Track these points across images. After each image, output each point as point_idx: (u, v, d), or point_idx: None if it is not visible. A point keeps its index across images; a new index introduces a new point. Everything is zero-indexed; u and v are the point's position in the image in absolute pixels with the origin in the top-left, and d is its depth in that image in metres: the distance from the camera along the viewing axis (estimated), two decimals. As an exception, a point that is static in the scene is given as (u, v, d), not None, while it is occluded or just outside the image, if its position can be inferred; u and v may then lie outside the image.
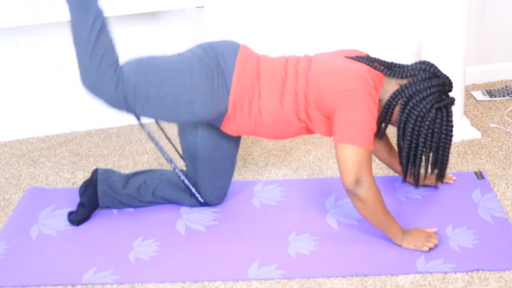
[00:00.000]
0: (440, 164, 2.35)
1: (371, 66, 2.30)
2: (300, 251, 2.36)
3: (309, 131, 2.38)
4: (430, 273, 2.23)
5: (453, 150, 2.92)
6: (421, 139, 2.29)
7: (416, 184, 2.42)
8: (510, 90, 3.43)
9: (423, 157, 2.34)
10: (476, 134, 3.03)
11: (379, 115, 2.34)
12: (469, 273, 2.23)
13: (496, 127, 3.11)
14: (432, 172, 2.43)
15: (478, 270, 2.23)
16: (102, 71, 2.21)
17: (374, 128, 2.23)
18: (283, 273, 2.26)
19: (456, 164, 2.83)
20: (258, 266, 2.30)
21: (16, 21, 2.97)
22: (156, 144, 2.44)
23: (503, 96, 3.37)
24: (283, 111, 2.31)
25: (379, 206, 2.25)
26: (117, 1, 3.01)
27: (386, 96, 2.33)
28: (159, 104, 2.26)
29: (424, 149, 2.31)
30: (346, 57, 2.34)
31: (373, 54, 3.39)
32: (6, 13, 2.95)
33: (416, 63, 2.34)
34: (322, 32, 3.34)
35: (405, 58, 3.42)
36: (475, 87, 3.51)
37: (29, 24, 3.00)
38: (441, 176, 2.40)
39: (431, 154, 2.35)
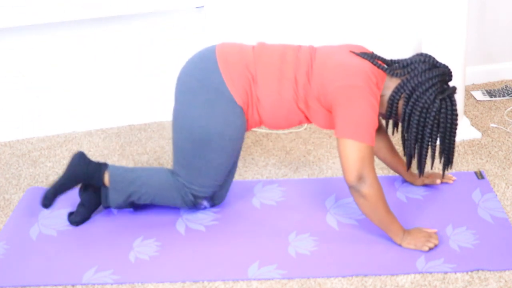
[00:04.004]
0: (448, 151, 2.36)
1: (374, 64, 2.32)
2: (300, 251, 2.36)
3: (310, 120, 2.40)
4: (430, 273, 2.23)
5: (453, 150, 2.93)
6: (427, 130, 2.30)
7: (421, 174, 2.42)
8: (510, 90, 3.43)
9: (430, 147, 2.36)
10: (476, 134, 3.03)
11: (385, 111, 2.36)
12: (469, 273, 2.23)
13: (496, 127, 3.11)
14: (440, 161, 2.42)
15: (478, 270, 2.23)
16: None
17: (375, 124, 2.24)
18: (283, 273, 2.26)
19: (456, 164, 2.83)
20: (258, 266, 2.30)
21: (17, 21, 2.97)
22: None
23: (503, 96, 3.37)
24: (281, 99, 2.33)
25: (381, 204, 2.25)
26: (117, 1, 3.01)
27: (388, 92, 2.34)
28: (211, 167, 2.42)
29: (431, 139, 2.32)
30: (351, 52, 2.35)
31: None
32: (7, 13, 2.95)
33: (414, 56, 2.35)
34: (323, 32, 3.33)
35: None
36: (475, 87, 3.51)
37: (29, 24, 3.00)
38: (449, 163, 2.40)
39: (437, 144, 2.35)
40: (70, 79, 3.22)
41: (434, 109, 2.27)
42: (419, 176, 2.55)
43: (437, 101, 2.27)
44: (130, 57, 3.23)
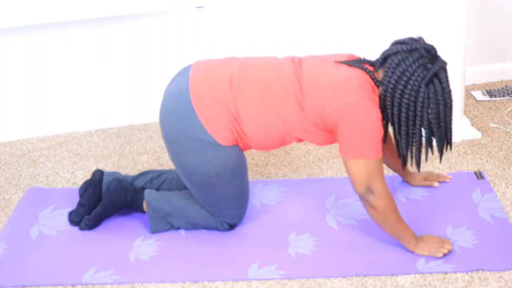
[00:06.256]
0: (445, 135, 2.23)
1: (363, 70, 2.21)
2: (300, 251, 2.36)
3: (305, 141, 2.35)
4: (430, 273, 2.23)
5: (453, 150, 2.92)
6: (417, 123, 2.17)
7: (418, 169, 2.31)
8: (510, 90, 3.43)
9: (424, 136, 2.24)
10: (476, 134, 3.03)
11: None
12: (469, 273, 2.23)
13: (496, 127, 3.11)
14: (444, 150, 2.26)
15: (478, 270, 2.23)
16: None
17: (381, 133, 2.17)
18: (283, 273, 2.26)
19: (456, 164, 2.83)
20: (258, 266, 2.30)
21: (17, 21, 2.97)
22: None
23: (503, 96, 3.37)
24: (270, 132, 2.26)
25: (392, 213, 2.22)
26: (117, 1, 3.01)
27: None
28: (229, 199, 2.38)
29: (424, 127, 2.19)
30: (337, 62, 2.23)
31: (372, 55, 3.39)
32: (7, 13, 2.95)
33: (391, 47, 2.22)
34: (322, 32, 3.33)
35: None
36: (475, 87, 3.51)
37: (29, 24, 3.00)
38: (450, 146, 2.25)
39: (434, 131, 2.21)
40: (70, 79, 3.22)
41: (420, 98, 2.14)
42: (418, 171, 2.41)
43: (422, 88, 2.14)
44: (130, 57, 3.23)
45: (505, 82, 3.55)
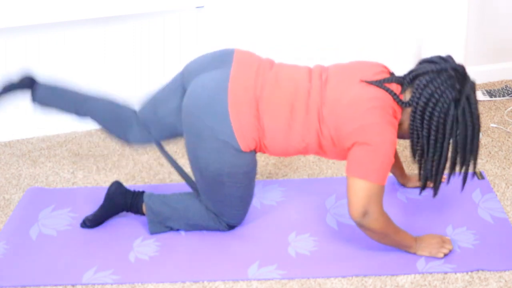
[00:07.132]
0: (469, 158, 2.19)
1: (388, 92, 2.17)
2: (300, 251, 2.36)
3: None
4: (430, 273, 2.23)
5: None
6: (445, 144, 2.15)
7: (435, 193, 2.26)
8: (510, 90, 3.43)
9: (449, 158, 2.21)
10: (476, 134, 3.02)
11: (409, 139, 2.22)
12: (469, 273, 2.23)
13: (496, 127, 3.11)
14: (461, 169, 2.23)
15: (478, 270, 2.23)
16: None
17: (391, 161, 2.14)
18: (283, 273, 2.26)
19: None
20: (258, 266, 2.30)
21: (17, 21, 2.97)
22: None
23: (503, 96, 3.37)
24: (289, 147, 2.27)
25: (389, 232, 2.21)
26: (117, 1, 3.01)
27: (406, 119, 2.22)
28: (234, 198, 2.37)
29: (452, 150, 2.17)
30: (363, 82, 2.19)
31: (373, 55, 3.39)
32: (7, 13, 2.95)
33: (418, 66, 2.20)
34: (323, 33, 3.33)
35: (405, 59, 3.42)
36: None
37: (30, 24, 3.00)
38: (474, 167, 2.23)
39: (458, 153, 2.18)
40: (70, 79, 3.22)
41: (449, 121, 2.12)
42: (433, 197, 2.32)
43: (451, 110, 2.12)
44: (130, 57, 3.23)
45: (505, 82, 3.55)
